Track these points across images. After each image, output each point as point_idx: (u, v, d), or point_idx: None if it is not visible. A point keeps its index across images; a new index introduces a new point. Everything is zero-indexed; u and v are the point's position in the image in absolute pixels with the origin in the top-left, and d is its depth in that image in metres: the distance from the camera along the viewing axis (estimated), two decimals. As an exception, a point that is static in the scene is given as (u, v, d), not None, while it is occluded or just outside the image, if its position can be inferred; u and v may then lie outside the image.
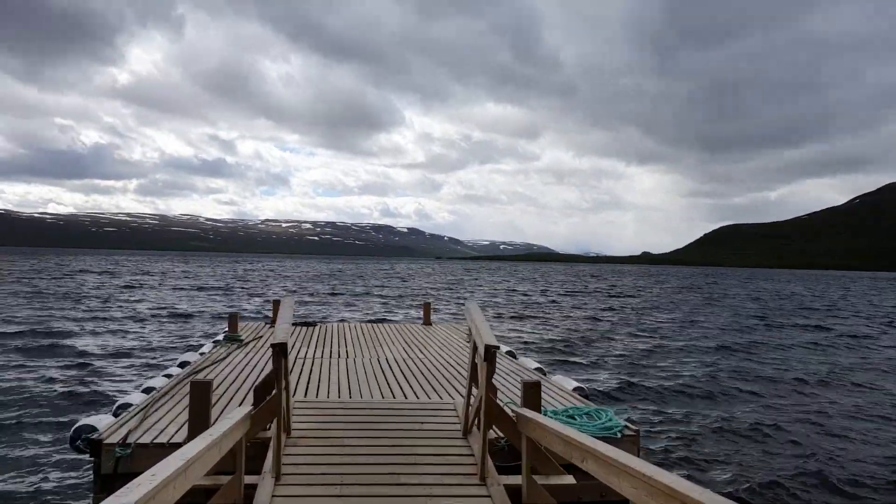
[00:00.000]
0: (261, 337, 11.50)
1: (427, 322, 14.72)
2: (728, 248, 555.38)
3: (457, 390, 7.67)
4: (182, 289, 43.16)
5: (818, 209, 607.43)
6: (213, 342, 11.21)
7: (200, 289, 44.21)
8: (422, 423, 6.21)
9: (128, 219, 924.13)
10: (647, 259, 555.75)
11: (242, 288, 48.27)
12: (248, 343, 10.98)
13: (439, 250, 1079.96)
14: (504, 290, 52.50)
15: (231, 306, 28.60)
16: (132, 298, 33.83)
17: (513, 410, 5.12)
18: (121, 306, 28.62)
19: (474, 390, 5.71)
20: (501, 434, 5.40)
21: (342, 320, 22.25)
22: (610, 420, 6.46)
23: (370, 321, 20.41)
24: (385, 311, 29.61)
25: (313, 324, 13.76)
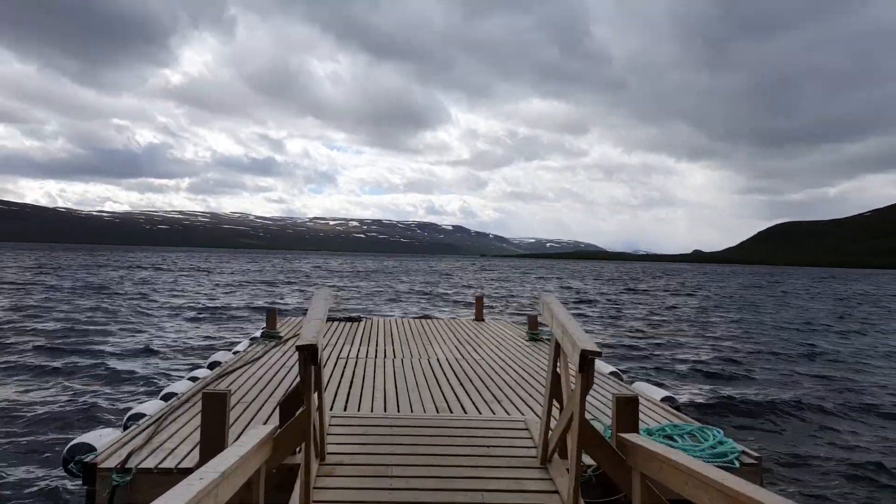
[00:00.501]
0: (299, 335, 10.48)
1: (479, 317, 13.65)
2: (784, 246, 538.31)
3: (526, 403, 6.45)
4: (229, 284, 42.92)
5: (881, 206, 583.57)
6: (250, 339, 10.33)
7: (244, 284, 43.93)
8: (487, 446, 4.97)
9: (180, 217, 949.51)
10: (698, 257, 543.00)
11: (287, 282, 47.97)
12: (287, 340, 10.05)
13: (484, 248, 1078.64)
14: (557, 287, 50.93)
15: (273, 303, 27.92)
16: (176, 292, 33.72)
17: (619, 437, 3.86)
18: (162, 302, 28.14)
19: (555, 407, 4.53)
20: (592, 462, 4.20)
21: (388, 316, 21.63)
22: (721, 443, 5.14)
23: (417, 318, 18.89)
24: (432, 307, 28.49)
25: (358, 318, 12.83)
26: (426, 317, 19.45)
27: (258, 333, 10.63)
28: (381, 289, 42.95)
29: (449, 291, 42.09)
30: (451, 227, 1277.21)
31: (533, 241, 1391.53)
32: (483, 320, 13.47)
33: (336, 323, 12.20)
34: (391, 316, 21.21)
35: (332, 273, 68.16)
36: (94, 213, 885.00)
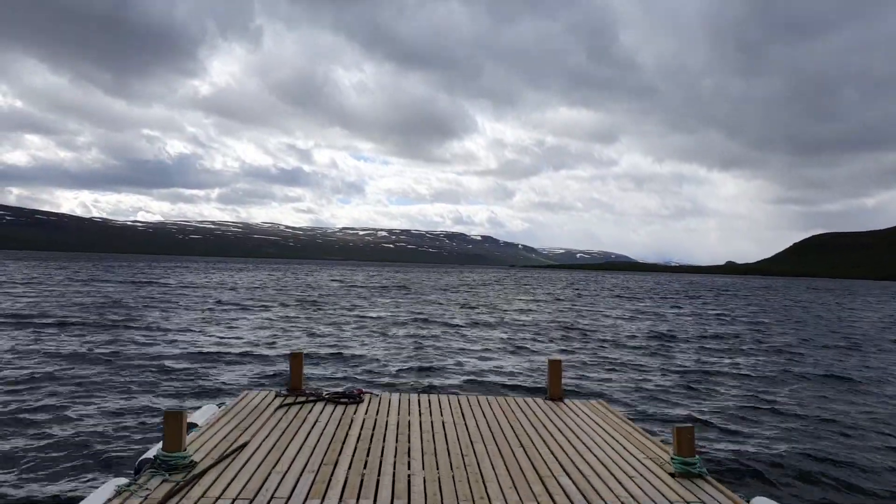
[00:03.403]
0: (226, 459, 5.75)
1: (554, 396, 9.07)
2: (821, 258, 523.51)
3: None
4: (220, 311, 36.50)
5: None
6: (117, 487, 4.95)
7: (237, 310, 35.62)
8: None
9: (212, 226, 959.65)
10: (731, 269, 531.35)
11: (296, 301, 43.49)
12: (194, 480, 5.19)
13: (513, 258, 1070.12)
14: (630, 311, 44.23)
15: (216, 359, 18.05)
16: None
17: None
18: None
19: None
20: None
21: (408, 386, 14.65)
22: None
23: (451, 390, 14.07)
24: (470, 353, 20.60)
25: (356, 397, 8.43)
26: (466, 384, 15.09)
27: (151, 454, 5.85)
28: (403, 318, 31.59)
29: (491, 324, 30.65)
30: (479, 238, 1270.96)
31: (562, 251, 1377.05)
32: (562, 400, 9.01)
33: (316, 408, 7.91)
34: (416, 385, 15.11)
35: (348, 289, 64.19)
36: (129, 223, 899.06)
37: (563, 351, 22.02)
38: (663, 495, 5.40)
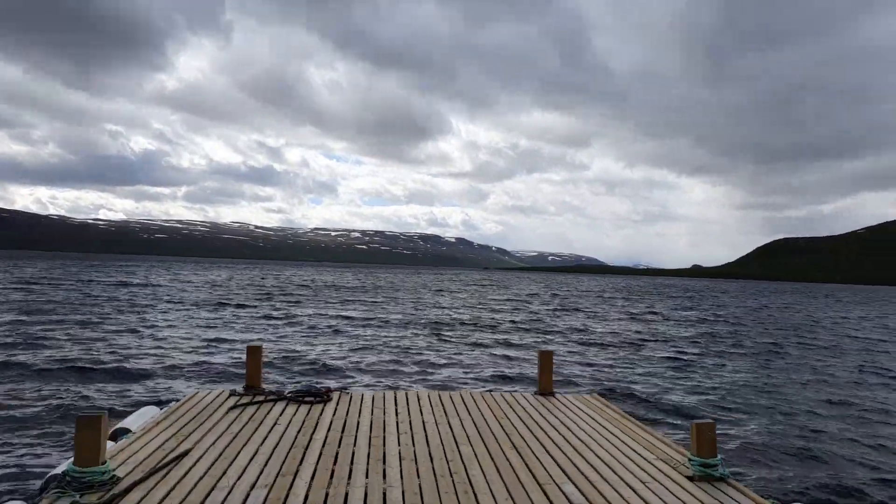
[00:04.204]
0: (159, 472, 4.69)
1: (545, 390, 8.12)
2: (782, 262, 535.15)
3: None
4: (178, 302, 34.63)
5: (875, 223, 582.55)
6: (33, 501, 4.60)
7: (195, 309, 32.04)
8: None
9: (179, 226, 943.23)
10: (698, 272, 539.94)
11: (257, 298, 42.24)
12: (122, 492, 4.25)
13: (487, 261, 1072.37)
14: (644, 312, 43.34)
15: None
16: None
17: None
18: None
19: None
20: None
21: (382, 385, 13.18)
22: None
23: (432, 387, 12.84)
24: (448, 351, 18.93)
25: (323, 395, 7.39)
26: (445, 384, 13.44)
27: (61, 469, 4.73)
28: (375, 317, 29.57)
29: (476, 322, 29.22)
30: (453, 240, 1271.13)
31: (535, 254, 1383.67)
32: (553, 394, 8.09)
33: (276, 409, 6.83)
34: (393, 381, 13.60)
35: (319, 290, 62.83)
36: (89, 221, 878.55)
37: (543, 345, 21.26)
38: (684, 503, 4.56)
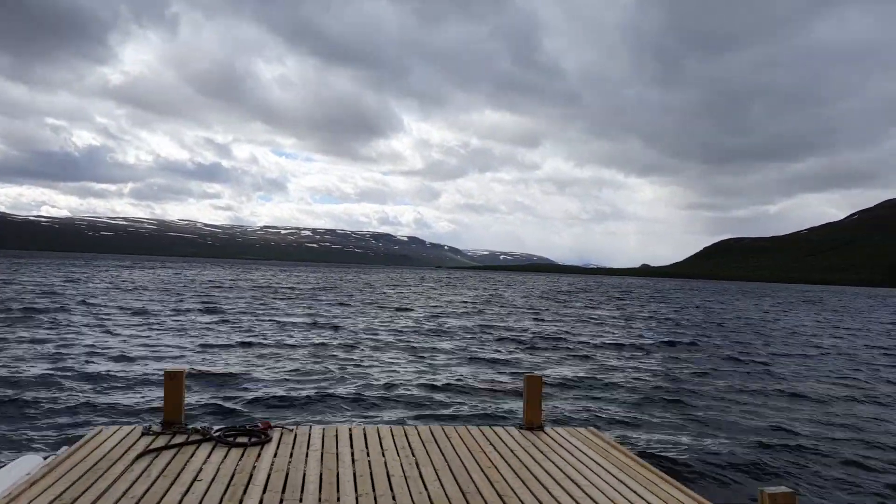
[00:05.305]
0: None
1: (533, 423, 6.68)
2: (728, 261, 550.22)
3: None
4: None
5: (817, 224, 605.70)
6: None
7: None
8: None
9: (125, 223, 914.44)
10: (646, 271, 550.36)
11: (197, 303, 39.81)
12: None
13: (439, 259, 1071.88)
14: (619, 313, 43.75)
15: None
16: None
17: None
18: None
19: None
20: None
21: (332, 418, 10.66)
22: None
23: (394, 417, 10.74)
24: (414, 367, 16.23)
25: (260, 434, 5.89)
26: (416, 416, 10.79)
27: None
28: (329, 323, 26.51)
29: (441, 331, 25.93)
30: (406, 239, 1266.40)
31: (486, 253, 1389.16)
32: (542, 429, 6.64)
33: (201, 454, 5.39)
34: (336, 417, 10.86)
35: (263, 291, 60.39)
36: (32, 218, 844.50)
37: (514, 362, 18.07)
38: None
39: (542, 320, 34.53)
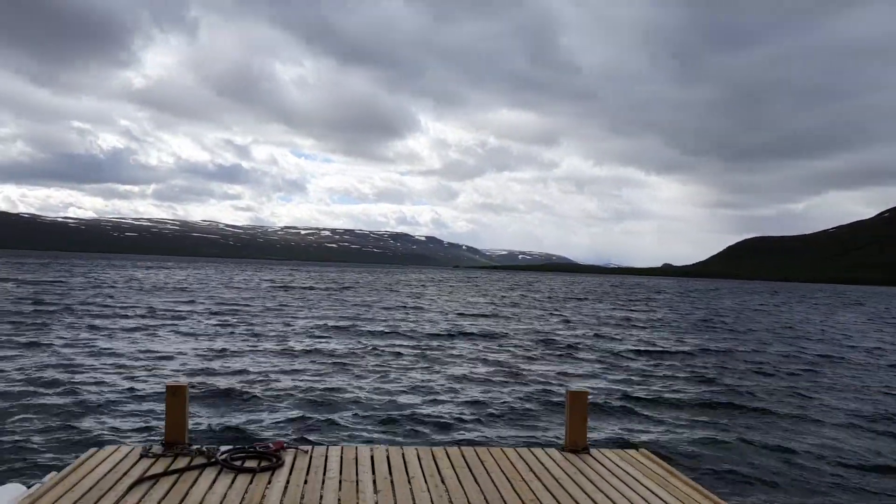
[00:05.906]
0: None
1: (577, 445, 5.90)
2: (753, 260, 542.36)
3: None
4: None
5: (845, 222, 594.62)
6: None
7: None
8: None
9: (149, 224, 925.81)
10: (667, 271, 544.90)
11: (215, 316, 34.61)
12: None
13: (457, 259, 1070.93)
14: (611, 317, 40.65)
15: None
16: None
17: None
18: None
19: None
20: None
21: (353, 438, 9.68)
22: None
23: (423, 438, 9.83)
24: (446, 379, 14.95)
25: (271, 457, 5.24)
26: (441, 439, 9.66)
27: None
28: (350, 328, 24.92)
29: (471, 334, 24.57)
30: (423, 238, 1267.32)
31: (505, 252, 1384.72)
32: (587, 451, 5.89)
33: (205, 479, 4.76)
34: (358, 437, 9.84)
35: (282, 292, 59.98)
36: (60, 220, 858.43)
37: (563, 374, 16.47)
38: None
39: (569, 322, 33.70)
